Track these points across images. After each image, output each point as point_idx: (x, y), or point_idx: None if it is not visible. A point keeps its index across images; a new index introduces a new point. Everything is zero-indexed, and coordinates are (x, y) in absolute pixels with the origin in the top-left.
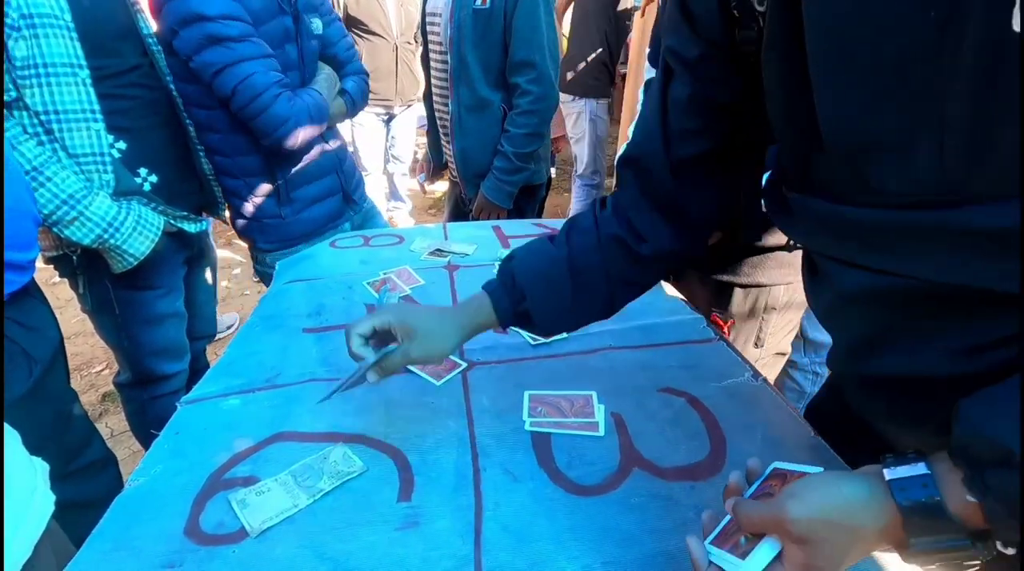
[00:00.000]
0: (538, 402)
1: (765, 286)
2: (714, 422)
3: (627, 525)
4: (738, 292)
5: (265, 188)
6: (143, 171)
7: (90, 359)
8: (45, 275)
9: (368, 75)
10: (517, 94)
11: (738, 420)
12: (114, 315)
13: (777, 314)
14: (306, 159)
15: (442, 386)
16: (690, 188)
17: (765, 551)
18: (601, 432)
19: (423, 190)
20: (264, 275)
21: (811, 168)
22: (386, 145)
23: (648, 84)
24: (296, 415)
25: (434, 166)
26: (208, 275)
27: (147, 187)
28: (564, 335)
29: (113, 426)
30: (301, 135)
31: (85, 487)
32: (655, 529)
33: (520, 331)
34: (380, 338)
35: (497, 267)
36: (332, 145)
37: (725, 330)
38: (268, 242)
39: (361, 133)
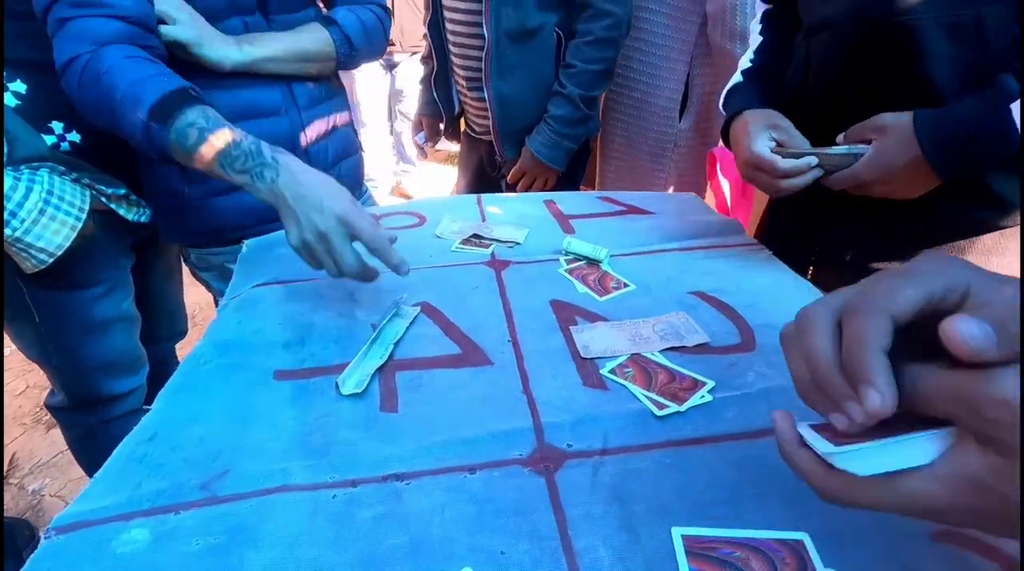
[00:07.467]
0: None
1: None
2: None
3: None
4: None
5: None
6: (57, 126)
7: None
8: None
9: (387, 10)
10: (587, 16)
11: None
12: (33, 323)
13: None
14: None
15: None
16: None
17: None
18: None
19: (422, 153)
20: (199, 278)
21: None
22: (389, 100)
23: None
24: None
25: (438, 119)
26: (170, 260)
27: (65, 147)
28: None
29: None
30: None
31: None
32: None
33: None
34: None
35: (561, 262)
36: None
37: None
38: (170, 232)
39: (360, 83)
